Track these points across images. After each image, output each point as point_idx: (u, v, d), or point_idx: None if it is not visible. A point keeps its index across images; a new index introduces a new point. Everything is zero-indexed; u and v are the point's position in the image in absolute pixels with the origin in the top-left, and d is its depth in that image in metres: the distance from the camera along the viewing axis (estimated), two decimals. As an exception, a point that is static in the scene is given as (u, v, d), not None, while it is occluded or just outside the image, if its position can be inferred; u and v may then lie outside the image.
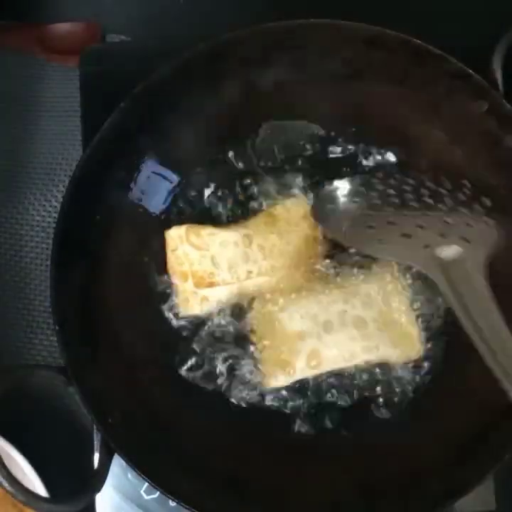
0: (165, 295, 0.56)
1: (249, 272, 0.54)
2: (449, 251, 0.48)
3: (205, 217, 0.57)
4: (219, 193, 0.58)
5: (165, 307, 0.56)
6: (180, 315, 0.56)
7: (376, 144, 0.58)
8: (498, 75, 0.50)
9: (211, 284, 0.53)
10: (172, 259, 0.55)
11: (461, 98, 0.52)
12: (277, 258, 0.54)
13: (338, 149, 0.58)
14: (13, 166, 0.66)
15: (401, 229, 0.51)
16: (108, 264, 0.54)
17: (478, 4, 0.64)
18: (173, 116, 0.55)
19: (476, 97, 0.51)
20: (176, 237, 0.54)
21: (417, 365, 0.54)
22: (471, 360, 0.45)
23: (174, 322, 0.56)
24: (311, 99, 0.57)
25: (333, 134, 0.58)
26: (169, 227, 0.55)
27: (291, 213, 0.56)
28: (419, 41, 0.51)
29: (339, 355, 0.53)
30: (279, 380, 0.53)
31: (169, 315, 0.56)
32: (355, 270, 0.55)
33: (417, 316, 0.55)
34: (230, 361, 0.55)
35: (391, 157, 0.58)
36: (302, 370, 0.53)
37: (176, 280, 0.55)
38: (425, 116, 0.55)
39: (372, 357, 0.53)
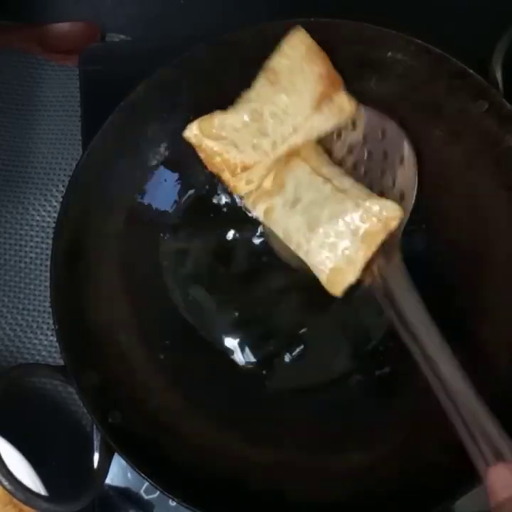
0: (165, 294, 0.56)
1: (274, 143, 0.50)
2: None
3: (209, 212, 0.58)
4: (221, 194, 0.58)
5: (165, 305, 0.56)
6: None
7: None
8: (498, 75, 0.50)
9: (244, 169, 0.51)
10: (203, 155, 0.52)
11: (461, 98, 0.52)
12: (295, 116, 0.50)
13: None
14: (13, 166, 0.66)
15: None
16: (108, 264, 0.54)
17: (478, 4, 0.64)
18: (173, 116, 0.55)
19: (476, 96, 0.51)
20: (192, 136, 0.51)
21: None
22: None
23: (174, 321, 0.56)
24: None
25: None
26: (170, 226, 0.54)
27: (291, 59, 0.50)
28: (419, 41, 0.51)
29: (284, 230, 0.51)
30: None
31: (169, 314, 0.56)
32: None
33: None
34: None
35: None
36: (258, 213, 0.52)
37: (216, 172, 0.53)
38: (425, 116, 0.55)
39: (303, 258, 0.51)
